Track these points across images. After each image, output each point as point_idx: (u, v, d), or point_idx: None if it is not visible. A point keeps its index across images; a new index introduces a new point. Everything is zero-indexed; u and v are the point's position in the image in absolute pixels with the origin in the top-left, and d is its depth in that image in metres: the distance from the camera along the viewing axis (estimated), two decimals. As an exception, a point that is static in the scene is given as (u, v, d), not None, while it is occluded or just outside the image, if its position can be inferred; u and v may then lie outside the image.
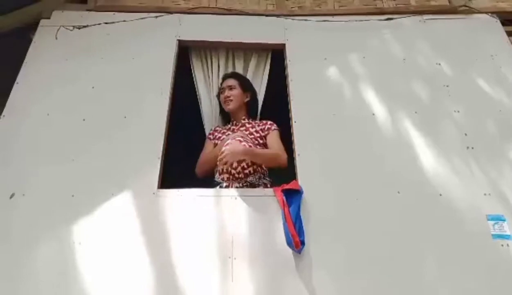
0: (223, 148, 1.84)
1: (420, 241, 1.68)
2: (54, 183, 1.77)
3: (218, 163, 1.89)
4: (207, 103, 2.27)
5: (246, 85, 2.18)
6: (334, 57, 2.24)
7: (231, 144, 1.83)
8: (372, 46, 2.30)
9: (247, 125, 2.09)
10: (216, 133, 2.10)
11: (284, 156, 1.92)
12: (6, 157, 1.84)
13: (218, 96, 2.22)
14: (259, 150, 1.94)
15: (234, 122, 2.14)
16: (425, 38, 2.33)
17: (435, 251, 1.66)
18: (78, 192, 1.75)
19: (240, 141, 1.85)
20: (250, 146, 1.86)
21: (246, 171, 1.85)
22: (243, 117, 2.14)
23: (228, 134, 2.02)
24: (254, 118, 2.20)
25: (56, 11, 2.36)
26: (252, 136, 2.01)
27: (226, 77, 2.22)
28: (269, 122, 2.10)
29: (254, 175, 1.88)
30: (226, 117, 2.21)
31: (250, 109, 2.18)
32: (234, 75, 2.23)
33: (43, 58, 2.16)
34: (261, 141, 2.01)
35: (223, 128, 2.14)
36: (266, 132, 2.04)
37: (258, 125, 2.09)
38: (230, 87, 2.14)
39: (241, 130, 2.05)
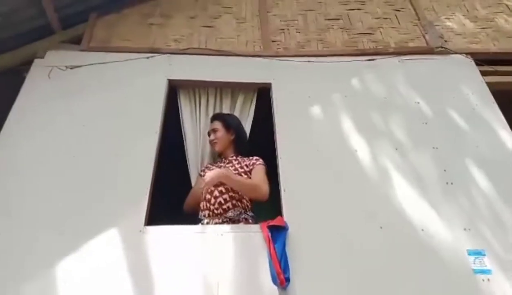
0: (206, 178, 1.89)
1: (402, 276, 1.71)
2: (41, 220, 1.78)
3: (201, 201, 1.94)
4: (192, 141, 2.30)
5: (229, 125, 2.20)
6: (318, 95, 2.34)
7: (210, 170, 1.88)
8: (354, 85, 2.41)
9: (234, 162, 2.13)
10: (206, 170, 2.13)
11: (264, 188, 1.93)
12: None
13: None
14: (237, 176, 1.96)
15: (223, 159, 2.19)
16: (404, 77, 2.44)
17: (416, 285, 1.68)
18: (66, 230, 1.76)
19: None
20: (231, 188, 1.91)
21: (224, 206, 1.89)
22: (231, 155, 2.18)
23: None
24: (242, 155, 2.23)
25: (50, 51, 2.45)
26: (237, 172, 2.04)
27: (211, 119, 2.28)
28: (255, 158, 2.13)
29: (233, 210, 1.91)
30: (216, 154, 2.26)
31: (236, 146, 2.22)
32: (217, 116, 2.27)
33: (35, 96, 2.22)
34: (245, 177, 2.03)
35: (213, 165, 2.18)
36: (251, 167, 2.07)
37: (244, 162, 2.12)
38: (214, 130, 2.19)
39: (227, 167, 2.09)
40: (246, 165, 2.10)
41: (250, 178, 2.05)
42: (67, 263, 1.68)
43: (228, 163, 2.14)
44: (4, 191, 1.87)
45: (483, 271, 1.72)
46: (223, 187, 1.92)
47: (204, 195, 1.95)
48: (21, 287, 1.61)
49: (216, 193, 1.90)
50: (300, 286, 1.64)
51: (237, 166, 2.10)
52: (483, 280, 1.69)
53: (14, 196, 1.86)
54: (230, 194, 1.93)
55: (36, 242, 1.73)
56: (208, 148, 2.29)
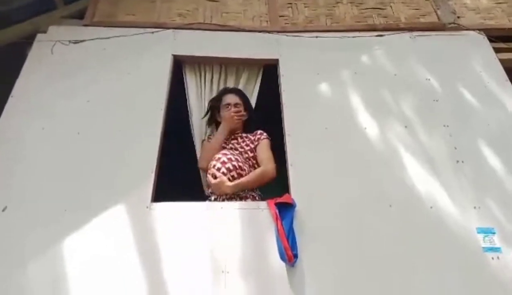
0: (212, 181, 1.88)
1: (411, 254, 1.69)
2: (47, 197, 1.77)
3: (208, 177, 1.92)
4: (197, 117, 2.28)
5: (247, 105, 2.23)
6: (326, 72, 2.28)
7: (219, 178, 1.85)
8: (363, 61, 2.35)
9: (239, 139, 2.13)
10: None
11: (271, 169, 1.95)
12: (0, 169, 1.84)
13: (212, 106, 2.23)
14: (244, 179, 1.90)
15: (229, 137, 2.15)
16: (415, 54, 2.38)
17: (426, 263, 1.67)
18: (71, 206, 1.75)
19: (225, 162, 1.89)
20: (239, 166, 1.90)
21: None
22: (238, 131, 2.17)
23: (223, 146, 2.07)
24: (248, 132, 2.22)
25: (53, 26, 2.39)
26: (242, 149, 2.04)
27: (230, 92, 2.23)
28: (259, 132, 2.13)
29: (246, 192, 1.90)
30: (216, 127, 2.23)
31: (246, 125, 2.22)
32: (239, 93, 2.24)
33: (38, 72, 2.17)
34: (251, 155, 2.04)
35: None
36: (256, 143, 2.07)
37: (249, 138, 2.12)
38: (236, 105, 2.16)
39: (233, 143, 2.09)
40: (251, 141, 2.09)
41: (255, 154, 2.04)
42: (73, 240, 1.67)
43: (233, 139, 2.13)
44: (9, 167, 1.85)
45: (492, 249, 1.71)
46: (231, 163, 1.90)
47: (210, 171, 1.92)
48: (27, 263, 1.61)
49: (223, 170, 1.88)
50: (308, 263, 1.64)
51: (242, 144, 2.09)
52: (492, 258, 1.68)
53: (18, 172, 1.84)
54: (238, 171, 1.90)
55: (42, 218, 1.72)
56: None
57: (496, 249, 1.71)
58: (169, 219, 1.75)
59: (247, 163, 2.01)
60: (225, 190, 1.84)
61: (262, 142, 2.07)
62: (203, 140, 2.20)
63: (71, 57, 2.25)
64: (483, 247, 1.71)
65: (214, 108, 2.22)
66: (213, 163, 1.92)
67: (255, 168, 2.00)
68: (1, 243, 1.65)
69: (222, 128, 2.11)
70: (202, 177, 2.12)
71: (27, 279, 1.57)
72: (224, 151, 1.98)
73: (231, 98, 2.18)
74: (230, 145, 2.10)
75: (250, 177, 1.93)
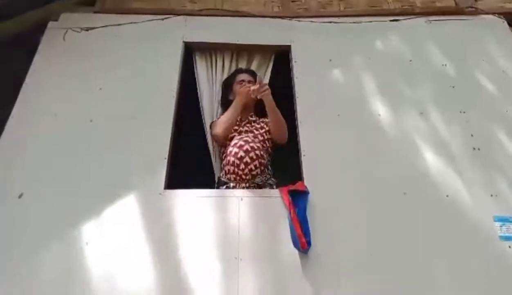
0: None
1: (427, 242, 1.68)
2: (62, 183, 1.79)
3: (226, 163, 1.89)
4: (208, 104, 2.26)
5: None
6: (339, 58, 2.24)
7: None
8: (377, 47, 2.30)
9: (253, 123, 2.12)
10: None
11: (286, 131, 2.05)
12: (15, 157, 1.86)
13: (225, 86, 2.22)
14: (277, 109, 2.01)
15: (240, 117, 2.11)
16: (431, 39, 2.32)
17: (442, 252, 1.66)
18: (85, 193, 1.76)
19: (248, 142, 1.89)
20: (262, 155, 1.88)
21: (254, 172, 1.85)
22: (251, 114, 2.16)
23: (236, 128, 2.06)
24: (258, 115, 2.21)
25: (64, 13, 2.38)
26: (258, 132, 2.04)
27: (242, 71, 2.24)
28: None
29: (261, 176, 1.88)
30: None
31: (257, 110, 2.20)
32: (252, 73, 2.24)
33: (51, 59, 2.17)
34: (266, 137, 2.05)
35: None
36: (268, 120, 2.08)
37: (264, 122, 2.11)
38: (250, 82, 2.15)
39: (247, 126, 2.08)
40: (265, 124, 2.10)
41: (269, 137, 2.06)
42: (89, 226, 1.68)
43: (247, 123, 2.11)
44: (24, 155, 1.87)
45: (509, 238, 1.68)
46: (254, 152, 1.85)
47: (231, 159, 1.87)
48: (42, 249, 1.63)
49: (247, 159, 1.84)
50: (321, 250, 1.63)
51: (257, 126, 2.09)
52: (509, 247, 1.66)
53: (33, 160, 1.85)
54: (260, 160, 1.87)
55: (58, 204, 1.73)
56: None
57: (512, 238, 1.68)
58: (182, 206, 1.75)
59: (264, 147, 1.98)
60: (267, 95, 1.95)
61: None
62: (211, 123, 2.15)
63: (83, 45, 2.25)
64: (500, 235, 1.69)
65: (227, 88, 2.21)
66: (235, 150, 1.86)
67: (268, 150, 2.01)
68: (18, 229, 1.67)
69: (236, 102, 2.07)
70: (212, 155, 2.09)
71: (43, 265, 1.59)
72: (245, 138, 1.93)
73: (245, 77, 2.19)
74: (246, 128, 2.07)
75: (279, 114, 2.03)
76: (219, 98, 2.26)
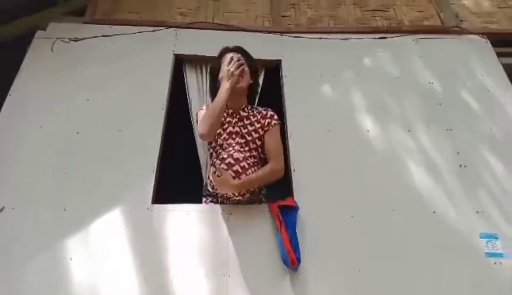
0: (216, 180, 1.66)
1: (414, 258, 1.69)
2: (46, 197, 1.75)
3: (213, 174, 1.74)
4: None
5: (252, 66, 1.96)
6: (329, 74, 2.27)
7: (223, 176, 1.63)
8: (366, 64, 2.34)
9: (245, 121, 1.85)
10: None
11: (280, 169, 1.73)
12: (-3, 170, 1.81)
13: (212, 73, 1.98)
14: (252, 177, 1.67)
15: (231, 111, 1.86)
16: (418, 57, 2.37)
17: (428, 268, 1.66)
18: (70, 206, 1.73)
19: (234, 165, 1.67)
20: (249, 164, 1.68)
21: (239, 197, 1.73)
22: (243, 106, 1.89)
23: (225, 125, 1.83)
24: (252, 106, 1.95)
25: (53, 23, 2.35)
26: (250, 138, 1.80)
27: (229, 50, 1.92)
28: (269, 113, 1.86)
29: (251, 194, 1.76)
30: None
31: (250, 95, 1.96)
32: (243, 51, 1.93)
33: (37, 69, 2.14)
34: (259, 143, 1.80)
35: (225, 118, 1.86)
36: (266, 128, 1.82)
37: (260, 115, 1.86)
38: (240, 63, 1.83)
39: (239, 127, 1.83)
40: (261, 127, 1.83)
41: (263, 142, 1.80)
42: (72, 241, 1.65)
43: (239, 120, 1.85)
44: (7, 167, 1.82)
45: (495, 255, 1.70)
46: (245, 174, 1.66)
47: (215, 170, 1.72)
48: (26, 263, 1.58)
49: (230, 172, 1.67)
50: (310, 267, 1.62)
51: (250, 129, 1.82)
52: (495, 263, 1.68)
53: (16, 172, 1.81)
54: (241, 164, 1.67)
55: (41, 218, 1.69)
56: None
57: (498, 254, 1.70)
58: (170, 220, 1.73)
59: (252, 154, 1.78)
60: (229, 188, 1.65)
61: (273, 128, 1.82)
62: (197, 113, 1.94)
63: (71, 55, 2.22)
64: (486, 252, 1.71)
65: (214, 75, 1.93)
66: (218, 161, 1.69)
67: (260, 159, 1.80)
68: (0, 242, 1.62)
69: (220, 91, 1.75)
70: (203, 167, 2.01)
71: (25, 281, 1.55)
72: (235, 154, 1.69)
73: (233, 56, 1.86)
74: (237, 128, 1.82)
75: (258, 175, 1.69)
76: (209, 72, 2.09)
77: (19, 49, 2.27)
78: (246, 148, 1.78)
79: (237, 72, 1.80)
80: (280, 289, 1.58)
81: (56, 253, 1.61)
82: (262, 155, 1.83)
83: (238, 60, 1.84)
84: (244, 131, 1.82)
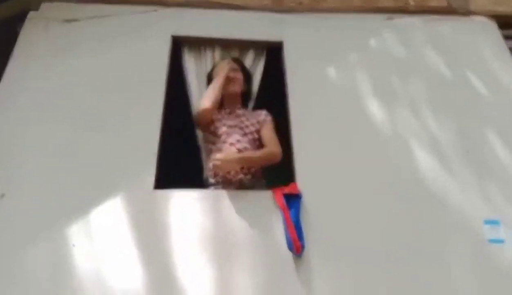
0: (217, 155, 1.75)
1: (418, 243, 1.68)
2: (46, 183, 1.71)
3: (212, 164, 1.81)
4: (198, 98, 2.17)
5: (246, 72, 2.14)
6: (333, 55, 2.20)
7: (224, 151, 1.78)
8: (371, 45, 2.27)
9: (242, 117, 2.00)
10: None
11: (278, 152, 1.85)
12: (-5, 156, 1.77)
13: (210, 78, 2.09)
14: (253, 154, 1.85)
15: (228, 110, 2.02)
16: (424, 38, 2.31)
17: (432, 253, 1.66)
18: (71, 192, 1.69)
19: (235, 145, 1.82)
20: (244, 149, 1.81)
21: (240, 176, 1.81)
22: (238, 106, 2.06)
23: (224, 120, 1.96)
24: (246, 108, 2.13)
25: (45, 3, 2.25)
26: (248, 130, 1.94)
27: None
28: (263, 112, 2.03)
29: (250, 178, 1.84)
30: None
31: (244, 100, 2.11)
32: (237, 60, 2.15)
33: (31, 53, 2.06)
34: (256, 136, 1.94)
35: (219, 114, 2.00)
36: (262, 123, 1.98)
37: (252, 116, 2.02)
38: (235, 70, 2.06)
39: (236, 122, 1.97)
40: (257, 121, 1.99)
41: (259, 136, 1.95)
42: (75, 227, 1.62)
43: (235, 116, 2.00)
44: (4, 153, 1.78)
45: (497, 241, 1.70)
46: (239, 145, 1.84)
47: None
48: (29, 250, 1.56)
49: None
50: (315, 254, 1.61)
51: (247, 123, 1.98)
52: (497, 249, 1.67)
53: (15, 159, 1.77)
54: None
55: (41, 204, 1.66)
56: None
57: (500, 241, 1.70)
58: (172, 206, 1.70)
59: (254, 144, 1.92)
60: (233, 161, 1.74)
61: (267, 125, 1.98)
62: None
63: (65, 37, 2.13)
64: (489, 238, 1.70)
65: (211, 81, 2.06)
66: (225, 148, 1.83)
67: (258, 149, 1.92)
68: (1, 230, 1.60)
69: (215, 79, 1.98)
70: (203, 152, 2.04)
71: (28, 267, 1.53)
72: (235, 135, 1.87)
73: (228, 64, 2.07)
74: (233, 122, 1.96)
75: (258, 153, 1.85)
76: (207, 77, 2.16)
77: (11, 31, 2.18)
78: (245, 139, 1.89)
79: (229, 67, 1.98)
80: (285, 275, 1.57)
81: (59, 239, 1.58)
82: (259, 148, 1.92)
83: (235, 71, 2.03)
84: (242, 125, 1.95)
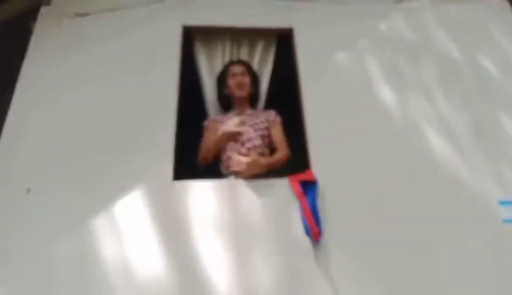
0: (242, 158, 1.81)
1: (433, 226, 1.70)
2: (69, 177, 1.75)
3: (225, 159, 1.90)
4: (211, 90, 2.23)
5: (254, 76, 2.19)
6: (344, 42, 2.20)
7: (251, 157, 1.80)
8: (382, 30, 2.26)
9: (251, 116, 2.09)
10: (216, 124, 2.06)
11: (287, 155, 1.97)
12: (20, 152, 1.80)
13: (219, 81, 2.19)
14: (274, 160, 1.93)
15: (236, 110, 2.11)
16: (435, 22, 2.29)
17: (447, 235, 1.68)
18: (93, 186, 1.73)
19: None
20: (260, 145, 1.91)
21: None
22: (247, 108, 2.14)
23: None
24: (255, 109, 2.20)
25: (56, -4, 2.26)
26: (258, 127, 2.02)
27: (234, 63, 2.19)
28: (273, 112, 2.11)
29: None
30: (226, 105, 2.19)
31: (251, 102, 2.18)
32: (244, 63, 2.20)
33: (46, 49, 2.07)
34: (266, 133, 2.03)
35: (224, 117, 2.11)
36: (272, 123, 2.06)
37: (261, 117, 2.08)
38: (242, 74, 2.12)
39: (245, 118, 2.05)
40: (266, 120, 2.07)
41: (269, 133, 2.03)
42: (98, 219, 1.66)
43: (245, 116, 2.07)
44: (29, 149, 1.82)
45: (513, 221, 1.72)
46: (251, 143, 1.91)
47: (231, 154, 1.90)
48: (54, 243, 1.61)
49: (243, 151, 1.88)
50: (332, 239, 1.64)
51: (257, 121, 2.06)
52: (513, 230, 1.69)
53: (38, 154, 1.81)
54: (259, 150, 1.91)
55: (65, 198, 1.70)
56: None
57: (516, 221, 1.72)
58: (191, 196, 1.74)
59: (264, 141, 2.01)
60: (261, 167, 1.79)
61: (277, 124, 2.07)
62: (208, 123, 2.13)
63: (78, 32, 2.15)
64: (504, 219, 1.72)
65: (221, 83, 2.18)
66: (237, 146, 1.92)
67: (267, 148, 2.01)
68: (27, 223, 1.65)
69: (219, 132, 1.98)
70: None
71: (54, 258, 1.58)
72: (246, 133, 1.96)
73: (236, 68, 2.14)
74: (249, 122, 2.06)
75: (277, 159, 1.93)
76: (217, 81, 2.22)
77: (22, 27, 2.20)
78: (256, 134, 1.99)
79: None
80: (302, 260, 1.61)
81: (83, 231, 1.63)
82: (268, 146, 2.03)
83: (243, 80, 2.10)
84: (251, 122, 2.03)
